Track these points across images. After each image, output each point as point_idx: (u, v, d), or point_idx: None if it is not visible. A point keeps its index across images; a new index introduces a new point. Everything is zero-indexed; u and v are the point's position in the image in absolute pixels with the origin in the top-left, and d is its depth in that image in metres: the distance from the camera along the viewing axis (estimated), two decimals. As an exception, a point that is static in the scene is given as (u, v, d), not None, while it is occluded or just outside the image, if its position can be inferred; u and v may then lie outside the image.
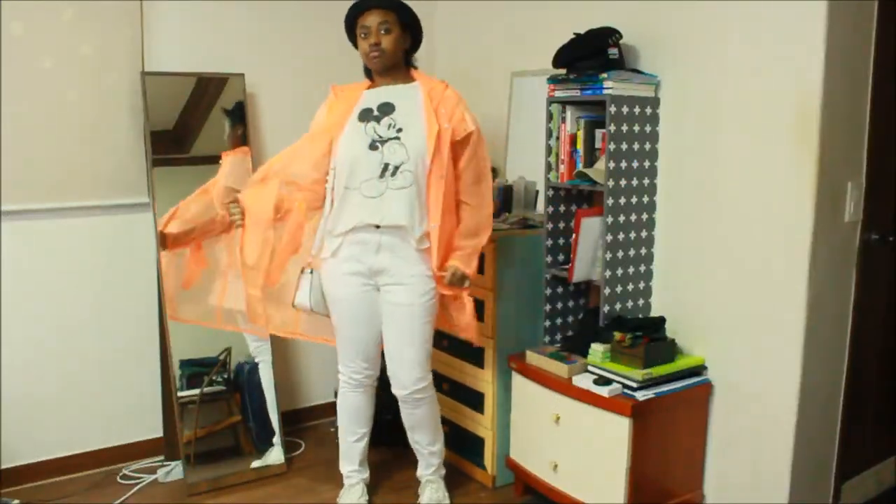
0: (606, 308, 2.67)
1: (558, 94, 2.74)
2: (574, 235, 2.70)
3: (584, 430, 2.55)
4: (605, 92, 2.55)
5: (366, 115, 2.49)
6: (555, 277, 2.86)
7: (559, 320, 2.92)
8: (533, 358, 2.76)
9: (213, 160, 3.01)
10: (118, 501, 2.85)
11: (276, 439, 3.13)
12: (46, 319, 2.96)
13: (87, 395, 3.07)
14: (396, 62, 2.53)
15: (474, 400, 2.99)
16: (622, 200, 2.63)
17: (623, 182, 2.62)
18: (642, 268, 2.74)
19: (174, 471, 3.03)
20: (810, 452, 2.47)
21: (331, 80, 2.66)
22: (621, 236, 2.65)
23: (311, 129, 2.61)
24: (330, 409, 2.82)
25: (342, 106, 2.54)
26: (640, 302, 2.75)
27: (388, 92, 2.52)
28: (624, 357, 2.52)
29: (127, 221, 3.08)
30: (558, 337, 2.91)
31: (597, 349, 2.59)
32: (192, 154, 3.13)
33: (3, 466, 2.90)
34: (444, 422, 2.81)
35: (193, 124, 3.14)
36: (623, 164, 2.61)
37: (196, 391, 3.05)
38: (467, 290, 2.55)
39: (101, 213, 3.02)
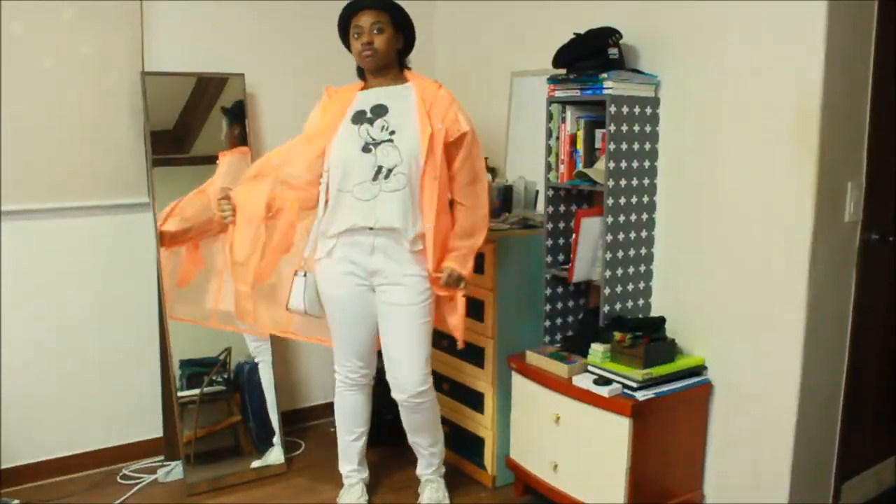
0: (606, 308, 2.67)
1: (558, 94, 2.74)
2: (574, 235, 2.70)
3: (584, 430, 2.55)
4: (605, 92, 2.55)
5: (359, 118, 2.49)
6: (555, 277, 2.86)
7: (559, 320, 2.92)
8: (533, 358, 2.76)
9: (213, 160, 3.01)
10: (118, 501, 2.85)
11: (276, 439, 3.13)
12: (46, 319, 2.96)
13: (87, 395, 3.07)
14: (389, 62, 2.52)
15: (474, 400, 2.99)
16: (622, 200, 2.63)
17: (623, 182, 2.62)
18: (642, 268, 2.74)
19: (174, 471, 3.03)
20: (810, 452, 2.47)
21: (331, 80, 2.66)
22: (621, 236, 2.65)
23: (304, 131, 2.61)
24: (330, 409, 2.82)
25: (336, 107, 2.53)
26: (640, 302, 2.75)
27: (381, 93, 2.52)
28: (624, 357, 2.52)
29: (127, 221, 3.08)
30: (558, 337, 2.91)
31: (597, 349, 2.59)
32: (192, 154, 3.13)
33: (3, 466, 2.90)
34: (444, 422, 2.81)
35: (193, 124, 3.14)
36: (623, 164, 2.61)
37: (196, 391, 3.05)
38: (463, 290, 2.56)
39: (101, 213, 3.02)
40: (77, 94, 2.91)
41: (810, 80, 2.26)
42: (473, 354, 2.95)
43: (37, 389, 2.96)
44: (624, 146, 2.60)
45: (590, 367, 2.60)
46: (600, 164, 2.65)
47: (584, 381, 2.54)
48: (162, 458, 3.16)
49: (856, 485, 2.71)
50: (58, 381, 3.01)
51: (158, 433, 3.18)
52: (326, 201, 2.51)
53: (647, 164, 2.67)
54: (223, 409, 3.13)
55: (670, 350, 2.58)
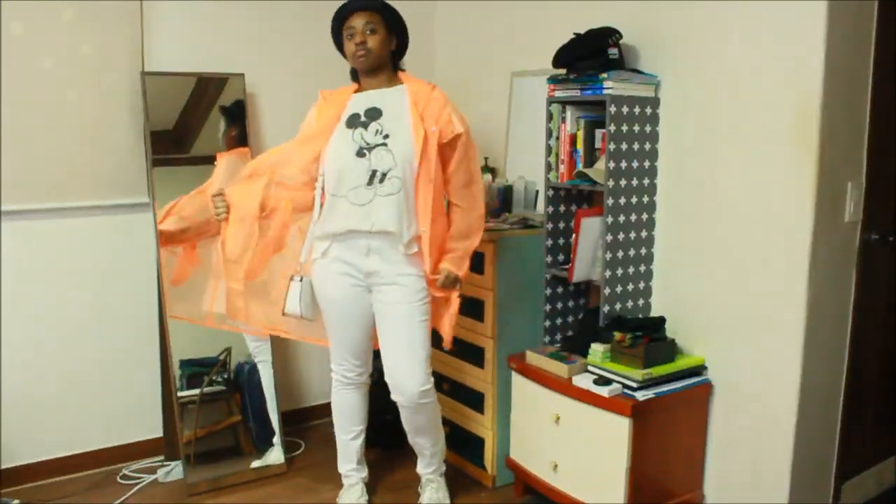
0: (606, 308, 2.67)
1: (558, 94, 2.74)
2: (574, 235, 2.70)
3: (584, 430, 2.55)
4: (605, 92, 2.55)
5: (353, 121, 2.48)
6: (555, 277, 2.86)
7: (559, 320, 2.92)
8: (533, 358, 2.76)
9: (213, 160, 3.00)
10: (118, 501, 2.85)
11: (276, 439, 3.13)
12: (46, 319, 2.96)
13: (87, 395, 3.07)
14: (383, 63, 2.52)
15: (474, 400, 2.99)
16: (622, 200, 2.63)
17: (623, 182, 2.62)
18: (642, 268, 2.74)
19: (174, 471, 3.03)
20: (810, 452, 2.47)
21: (331, 80, 2.66)
22: (621, 236, 2.65)
23: (299, 134, 2.61)
24: (330, 409, 2.83)
25: (331, 110, 2.53)
26: (640, 302, 2.75)
27: (375, 96, 2.52)
28: (624, 357, 2.52)
29: (127, 221, 3.08)
30: (558, 337, 2.91)
31: (597, 349, 2.59)
32: (192, 154, 3.13)
33: (3, 466, 2.90)
34: (444, 422, 2.81)
35: (193, 124, 3.14)
36: (623, 164, 2.61)
37: (196, 391, 3.05)
38: (458, 291, 2.56)
39: (101, 213, 3.02)
40: (77, 94, 2.91)
41: (810, 80, 2.26)
42: (473, 354, 2.95)
43: (37, 389, 2.96)
44: (624, 146, 2.60)
45: (590, 367, 2.60)
46: (600, 164, 2.65)
47: (584, 381, 2.54)
48: (162, 458, 3.16)
49: (856, 485, 2.71)
50: (58, 381, 3.00)
51: (158, 433, 3.18)
52: (322, 205, 2.52)
53: (647, 164, 2.67)
54: (223, 409, 3.13)
55: (670, 350, 2.58)
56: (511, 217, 3.07)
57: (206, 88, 3.15)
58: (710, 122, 2.55)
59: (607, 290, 2.66)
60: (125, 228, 3.08)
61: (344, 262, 2.51)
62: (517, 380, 2.82)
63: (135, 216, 3.08)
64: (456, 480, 2.95)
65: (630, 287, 2.72)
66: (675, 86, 2.64)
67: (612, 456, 2.46)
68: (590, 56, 2.61)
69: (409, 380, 2.52)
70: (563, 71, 2.72)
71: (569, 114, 2.73)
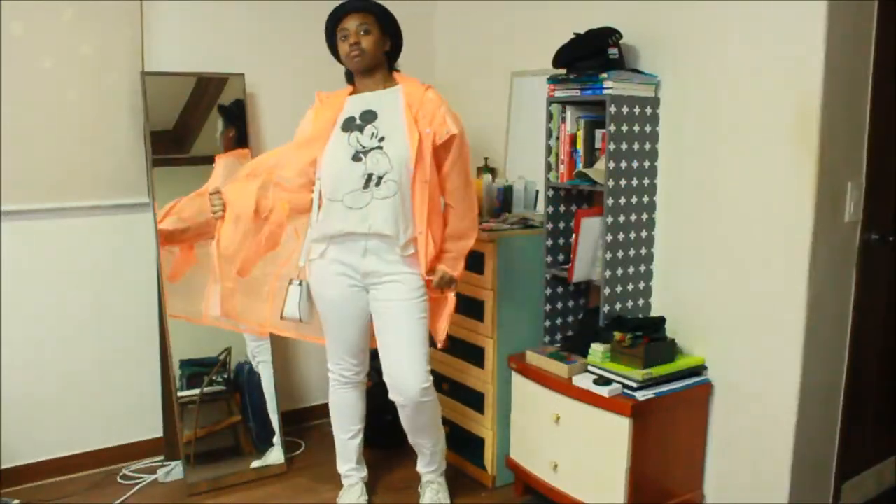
0: (606, 308, 2.67)
1: (558, 94, 2.74)
2: (574, 235, 2.70)
3: (584, 430, 2.55)
4: (605, 92, 2.55)
5: (349, 125, 2.49)
6: (555, 277, 2.86)
7: (559, 320, 2.92)
8: (533, 358, 2.76)
9: (213, 160, 3.00)
10: (118, 501, 2.85)
11: (276, 439, 3.13)
12: (46, 319, 2.96)
13: (87, 395, 3.07)
14: (377, 64, 2.52)
15: (474, 400, 2.99)
16: (622, 200, 2.63)
17: (623, 182, 2.62)
18: (642, 268, 2.74)
19: (174, 471, 3.03)
20: (810, 452, 2.47)
21: (331, 81, 2.66)
22: (621, 236, 2.65)
23: (296, 137, 2.61)
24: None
25: (327, 113, 2.53)
26: (640, 302, 2.75)
27: (370, 98, 2.52)
28: (624, 357, 2.52)
29: (127, 221, 3.08)
30: (558, 337, 2.91)
31: (597, 349, 2.59)
32: (192, 154, 3.13)
33: (3, 466, 2.90)
34: (444, 422, 2.81)
35: (193, 124, 3.14)
36: (623, 164, 2.61)
37: (196, 391, 3.05)
38: (453, 291, 2.56)
39: (101, 213, 3.02)
40: (77, 94, 2.91)
41: (810, 80, 2.26)
42: (473, 354, 2.95)
43: (37, 389, 2.96)
44: (624, 146, 2.60)
45: (590, 367, 2.60)
46: (600, 164, 2.65)
47: (584, 381, 2.54)
48: (162, 458, 3.16)
49: (856, 485, 2.71)
50: (58, 381, 3.00)
51: (158, 433, 3.18)
52: (319, 207, 2.52)
53: (647, 164, 2.67)
54: (223, 409, 3.13)
55: (670, 350, 2.58)
56: (511, 217, 3.07)
57: (206, 88, 3.15)
58: (710, 122, 2.55)
59: (607, 290, 2.66)
60: (125, 228, 3.08)
61: (341, 263, 2.52)
62: (517, 380, 2.82)
63: (135, 216, 3.08)
64: (456, 480, 2.95)
65: (630, 287, 2.72)
66: (675, 86, 2.64)
67: (612, 456, 2.46)
68: (590, 56, 2.61)
69: (409, 377, 2.51)
70: (563, 71, 2.72)
71: (569, 114, 2.73)
